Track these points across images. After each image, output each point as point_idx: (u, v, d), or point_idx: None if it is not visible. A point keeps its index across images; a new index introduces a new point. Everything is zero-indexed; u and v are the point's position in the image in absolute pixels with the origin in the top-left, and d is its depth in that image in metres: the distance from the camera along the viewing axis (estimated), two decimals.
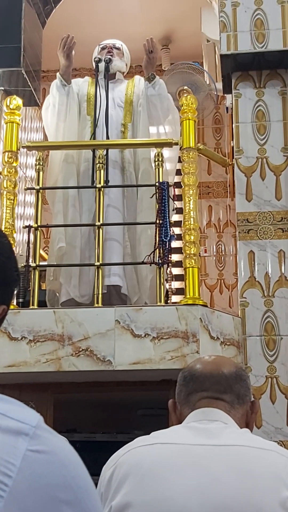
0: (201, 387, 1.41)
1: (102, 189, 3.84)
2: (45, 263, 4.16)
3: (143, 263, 3.72)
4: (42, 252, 4.30)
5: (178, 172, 4.22)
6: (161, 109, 4.18)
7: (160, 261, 3.61)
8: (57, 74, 4.22)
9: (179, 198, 4.05)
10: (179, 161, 4.33)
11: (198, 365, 1.46)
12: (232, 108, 4.20)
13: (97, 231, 3.76)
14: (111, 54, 4.31)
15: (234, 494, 1.22)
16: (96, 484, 0.84)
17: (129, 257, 3.95)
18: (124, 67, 4.43)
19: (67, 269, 3.93)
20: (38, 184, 3.88)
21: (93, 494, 0.81)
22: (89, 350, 3.43)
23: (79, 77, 4.59)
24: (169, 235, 3.63)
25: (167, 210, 3.67)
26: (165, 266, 3.67)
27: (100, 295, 3.61)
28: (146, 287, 3.86)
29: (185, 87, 4.99)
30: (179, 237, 3.99)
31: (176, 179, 4.38)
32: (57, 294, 3.99)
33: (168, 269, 3.80)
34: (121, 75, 4.41)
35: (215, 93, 5.19)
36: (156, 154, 3.86)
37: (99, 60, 4.21)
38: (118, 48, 4.40)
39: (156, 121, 4.22)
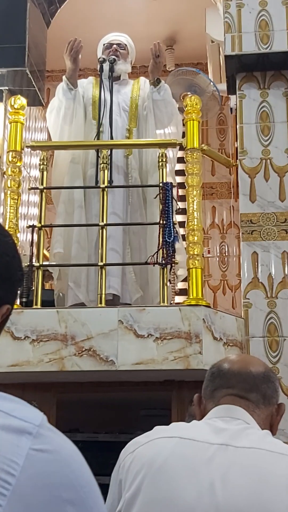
0: (227, 384, 1.41)
1: (106, 189, 3.84)
2: (49, 263, 4.16)
3: (146, 263, 3.72)
4: (45, 252, 4.30)
5: (181, 173, 4.22)
6: (166, 114, 4.18)
7: (163, 262, 3.61)
8: (63, 77, 4.21)
9: (183, 199, 4.05)
10: (179, 161, 4.34)
11: (226, 362, 1.46)
12: (236, 109, 4.20)
13: (100, 231, 3.76)
14: (117, 55, 4.29)
15: (246, 498, 1.21)
16: (99, 484, 0.83)
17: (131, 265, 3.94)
18: (129, 68, 4.41)
19: (77, 273, 3.91)
20: (42, 184, 3.88)
21: (96, 493, 0.81)
22: (92, 350, 3.43)
23: (82, 78, 4.58)
24: (172, 236, 3.63)
25: (170, 211, 3.67)
26: (169, 266, 3.66)
27: (103, 295, 3.61)
28: (153, 291, 3.85)
29: (189, 93, 4.99)
30: (182, 238, 3.99)
31: (180, 179, 4.39)
32: (61, 295, 3.99)
33: (172, 270, 3.80)
34: (126, 76, 4.40)
35: (218, 93, 5.19)
36: (160, 154, 3.85)
37: (104, 61, 4.20)
38: (123, 48, 4.37)
39: (161, 125, 4.22)
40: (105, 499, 1.26)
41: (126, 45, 4.39)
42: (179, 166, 4.43)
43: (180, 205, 4.09)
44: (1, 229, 0.95)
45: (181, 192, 4.35)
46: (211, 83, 5.15)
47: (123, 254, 3.96)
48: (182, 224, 4.03)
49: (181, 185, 4.18)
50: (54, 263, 4.05)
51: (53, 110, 4.18)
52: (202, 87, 5.17)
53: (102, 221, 3.76)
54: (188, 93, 4.96)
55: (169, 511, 1.24)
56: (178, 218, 4.05)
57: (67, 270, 3.97)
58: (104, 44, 4.40)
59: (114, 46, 4.34)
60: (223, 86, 4.64)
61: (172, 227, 3.64)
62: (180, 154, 4.27)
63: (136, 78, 4.48)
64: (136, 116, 4.22)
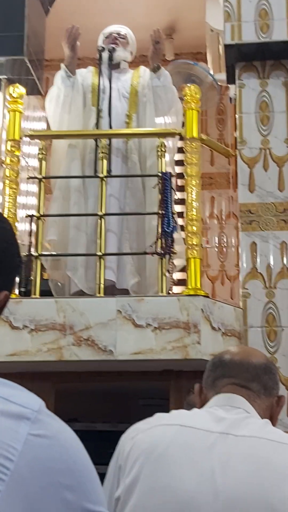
0: (229, 373, 1.42)
1: (105, 179, 3.83)
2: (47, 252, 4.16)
3: (145, 253, 3.72)
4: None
5: (181, 163, 4.21)
6: (166, 100, 4.16)
7: (162, 252, 3.61)
8: (62, 65, 4.19)
9: (181, 189, 4.04)
10: (179, 152, 4.32)
11: (228, 353, 1.48)
12: (235, 99, 4.19)
13: (99, 221, 3.75)
14: (116, 43, 4.28)
15: (246, 486, 1.22)
16: (97, 474, 0.84)
17: (128, 248, 3.93)
18: (128, 56, 4.40)
19: (74, 260, 3.90)
20: (40, 174, 3.87)
21: (94, 479, 0.81)
22: (90, 339, 3.44)
23: (81, 67, 4.56)
24: (171, 226, 3.62)
25: (169, 201, 3.67)
26: (167, 256, 3.66)
27: (102, 285, 3.61)
28: (149, 279, 3.85)
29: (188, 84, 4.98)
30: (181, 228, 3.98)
31: (179, 169, 4.38)
32: (59, 284, 3.99)
33: (170, 259, 3.80)
34: (126, 65, 4.39)
35: (217, 83, 5.18)
36: (159, 144, 3.84)
37: (103, 49, 4.19)
38: (123, 37, 4.36)
39: (161, 112, 4.21)
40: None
41: (126, 34, 4.39)
42: (178, 156, 4.42)
43: (179, 195, 4.09)
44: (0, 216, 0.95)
45: (180, 182, 4.35)
46: (209, 75, 5.14)
47: (120, 237, 3.94)
48: (180, 215, 4.03)
49: (180, 175, 4.17)
50: (48, 252, 4.03)
51: (52, 99, 4.17)
52: (201, 77, 5.15)
53: (101, 210, 3.75)
54: (188, 84, 4.96)
55: (168, 499, 1.24)
56: (177, 208, 4.05)
57: (64, 259, 3.96)
58: (104, 34, 4.40)
59: (114, 35, 4.33)
60: (222, 76, 4.62)
61: (171, 217, 3.64)
62: (180, 144, 4.26)
63: (136, 68, 4.46)
64: (136, 103, 4.21)
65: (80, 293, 3.83)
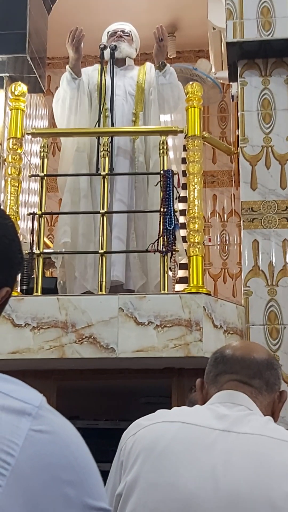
0: (231, 369, 1.41)
1: (107, 176, 3.83)
2: (49, 250, 4.16)
3: (147, 251, 3.72)
4: (46, 240, 4.30)
5: (183, 161, 4.21)
6: (172, 98, 4.14)
7: (164, 250, 3.60)
8: (67, 67, 4.19)
9: (185, 186, 4.03)
10: (184, 149, 4.32)
11: (230, 348, 1.47)
12: (237, 97, 4.18)
13: (101, 218, 3.75)
14: (121, 39, 4.27)
15: (247, 483, 1.21)
16: (99, 471, 0.84)
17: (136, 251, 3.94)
18: (133, 52, 4.39)
19: (83, 264, 3.91)
20: (42, 171, 3.87)
21: (95, 474, 0.81)
22: (92, 337, 3.44)
23: (84, 65, 4.55)
24: (173, 223, 3.62)
25: (171, 198, 3.66)
26: (169, 254, 3.66)
27: (104, 283, 3.61)
28: (152, 278, 3.85)
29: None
30: (183, 226, 3.98)
31: (182, 167, 4.37)
32: (61, 283, 3.99)
33: (172, 257, 3.80)
34: (131, 61, 4.38)
35: (218, 85, 5.19)
36: (161, 142, 3.84)
37: (105, 47, 4.18)
38: (127, 34, 4.36)
39: (167, 110, 4.19)
40: (105, 485, 1.26)
41: (130, 32, 4.38)
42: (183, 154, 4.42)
43: (183, 193, 4.09)
44: (1, 212, 0.95)
45: (184, 180, 4.34)
46: (208, 78, 5.15)
47: (127, 241, 3.96)
48: (184, 213, 4.02)
49: (183, 173, 4.17)
50: (54, 250, 4.04)
51: (59, 101, 4.17)
52: (202, 77, 5.16)
53: (103, 208, 3.76)
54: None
55: (170, 496, 1.24)
56: (181, 206, 4.04)
57: (72, 260, 3.96)
58: (108, 32, 4.39)
59: (118, 32, 4.33)
60: (224, 74, 4.62)
61: (173, 214, 3.63)
62: (185, 141, 4.25)
63: (140, 65, 4.45)
64: (142, 101, 4.20)
65: (89, 294, 3.83)
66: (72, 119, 4.15)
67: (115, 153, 4.00)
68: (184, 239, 3.92)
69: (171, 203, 3.65)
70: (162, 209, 3.66)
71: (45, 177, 3.88)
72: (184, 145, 4.11)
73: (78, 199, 4.00)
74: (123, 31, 4.35)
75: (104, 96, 4.09)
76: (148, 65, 4.33)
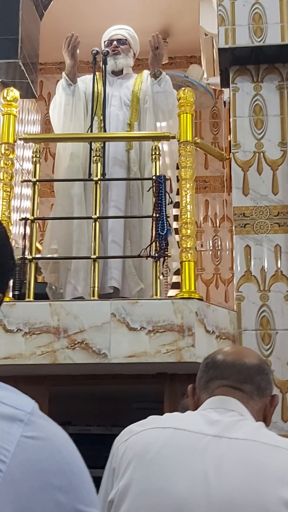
0: (221, 375, 1.41)
1: (99, 182, 3.83)
2: (41, 256, 4.16)
3: (139, 256, 3.72)
4: (38, 245, 4.29)
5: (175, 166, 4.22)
6: (167, 106, 4.14)
7: (156, 255, 3.61)
8: (63, 73, 4.20)
9: (177, 192, 4.04)
10: None
11: (221, 353, 1.46)
12: (229, 103, 4.20)
13: (93, 224, 3.75)
14: (117, 52, 4.27)
15: (239, 489, 1.21)
16: (91, 477, 0.83)
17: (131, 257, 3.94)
18: (130, 62, 4.37)
19: (76, 267, 3.90)
20: (34, 177, 3.87)
21: (87, 480, 0.81)
22: (84, 343, 3.43)
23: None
24: (165, 229, 3.62)
25: (163, 204, 3.67)
26: (162, 259, 3.66)
27: (96, 288, 3.61)
28: (149, 286, 3.84)
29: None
30: (175, 232, 3.99)
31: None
32: (53, 288, 3.99)
33: (165, 263, 3.80)
34: (129, 69, 4.38)
35: (210, 93, 5.21)
36: (153, 147, 3.85)
37: (97, 52, 4.18)
38: (123, 43, 4.33)
39: (162, 118, 4.19)
40: (97, 491, 1.26)
41: (127, 39, 4.35)
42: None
43: (176, 198, 4.09)
44: None
45: (175, 185, 4.35)
46: (199, 85, 5.16)
47: (123, 247, 3.97)
48: (176, 218, 4.03)
49: (175, 179, 4.17)
50: (44, 256, 4.03)
51: (55, 107, 4.18)
52: (194, 84, 5.17)
53: (95, 214, 3.76)
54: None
55: (161, 501, 1.24)
56: (175, 211, 4.04)
57: (66, 265, 3.96)
58: (105, 42, 4.38)
59: (114, 43, 4.30)
60: (216, 80, 4.63)
61: (165, 220, 3.64)
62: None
63: (138, 72, 4.45)
64: (137, 110, 4.20)
65: (81, 299, 3.83)
66: (68, 125, 4.15)
67: (111, 163, 4.00)
68: (177, 244, 3.92)
69: (163, 209, 3.65)
70: (154, 215, 3.66)
71: (37, 183, 3.88)
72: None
73: (70, 207, 4.00)
74: (119, 40, 4.32)
75: (96, 104, 4.09)
76: (145, 73, 4.31)
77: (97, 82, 4.21)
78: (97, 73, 4.29)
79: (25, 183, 4.41)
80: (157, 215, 3.65)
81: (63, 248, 3.96)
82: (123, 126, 4.15)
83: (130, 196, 4.04)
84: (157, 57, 4.12)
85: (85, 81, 4.27)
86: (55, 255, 4.03)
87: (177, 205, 4.25)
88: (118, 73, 4.25)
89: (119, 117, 4.14)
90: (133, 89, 4.24)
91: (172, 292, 4.49)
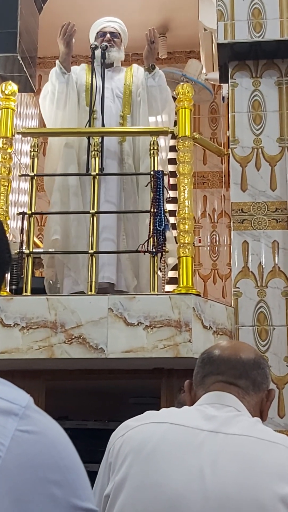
0: (217, 370, 1.41)
1: (97, 176, 3.83)
2: (39, 250, 4.15)
3: (137, 251, 3.71)
4: (35, 239, 4.29)
5: (173, 162, 4.21)
6: (160, 100, 4.14)
7: (154, 250, 3.60)
8: (57, 61, 4.17)
9: (174, 187, 4.03)
10: (172, 150, 4.32)
11: (217, 349, 1.47)
12: (228, 98, 4.19)
13: (91, 219, 3.75)
14: (111, 44, 4.25)
15: (235, 485, 1.21)
16: (87, 472, 0.83)
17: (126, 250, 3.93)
18: (122, 56, 4.37)
19: (76, 262, 3.90)
20: (32, 171, 3.86)
21: (82, 475, 0.81)
22: (81, 337, 3.43)
23: (75, 64, 4.55)
24: (163, 224, 3.62)
25: (161, 199, 3.66)
26: (159, 255, 3.66)
27: (93, 283, 3.61)
28: (145, 282, 3.84)
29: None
30: (173, 227, 3.98)
31: (172, 168, 4.37)
32: (51, 282, 3.98)
33: (163, 258, 3.80)
34: (119, 63, 4.37)
35: (209, 90, 5.20)
36: (151, 142, 3.84)
37: (96, 47, 4.17)
38: (116, 36, 4.32)
39: (155, 112, 4.19)
40: (93, 485, 1.26)
41: (119, 33, 4.34)
42: (171, 155, 4.42)
43: (172, 194, 4.09)
44: None
45: (172, 181, 4.34)
46: (197, 82, 5.15)
47: (117, 242, 3.95)
48: (173, 213, 4.02)
49: (173, 174, 4.17)
50: (44, 250, 4.03)
51: (47, 95, 4.14)
52: (193, 81, 5.17)
53: (93, 208, 3.75)
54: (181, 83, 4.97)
55: (157, 496, 1.24)
56: (169, 207, 4.04)
57: (64, 260, 3.95)
58: (97, 32, 4.35)
59: (108, 36, 4.29)
60: (215, 75, 4.62)
61: (163, 215, 3.63)
62: (172, 142, 4.26)
63: (128, 66, 4.45)
64: (129, 103, 4.19)
65: (82, 294, 3.82)
66: (60, 115, 4.12)
67: (104, 156, 3.99)
68: (174, 239, 3.92)
69: (162, 204, 3.65)
70: (152, 210, 3.66)
71: (35, 177, 3.87)
72: (173, 146, 4.12)
73: (67, 198, 3.98)
74: (112, 33, 4.31)
75: (95, 97, 4.07)
76: (135, 67, 4.32)
77: (87, 73, 4.20)
78: (88, 65, 4.28)
79: (23, 177, 4.39)
80: (155, 210, 3.65)
81: (62, 241, 3.95)
82: (116, 118, 4.14)
83: (124, 188, 4.03)
84: (152, 51, 4.12)
85: (75, 71, 4.25)
86: (56, 247, 4.00)
87: (172, 200, 4.25)
88: (108, 65, 4.24)
89: (112, 109, 4.13)
90: (125, 81, 4.23)
91: (169, 288, 4.49)
